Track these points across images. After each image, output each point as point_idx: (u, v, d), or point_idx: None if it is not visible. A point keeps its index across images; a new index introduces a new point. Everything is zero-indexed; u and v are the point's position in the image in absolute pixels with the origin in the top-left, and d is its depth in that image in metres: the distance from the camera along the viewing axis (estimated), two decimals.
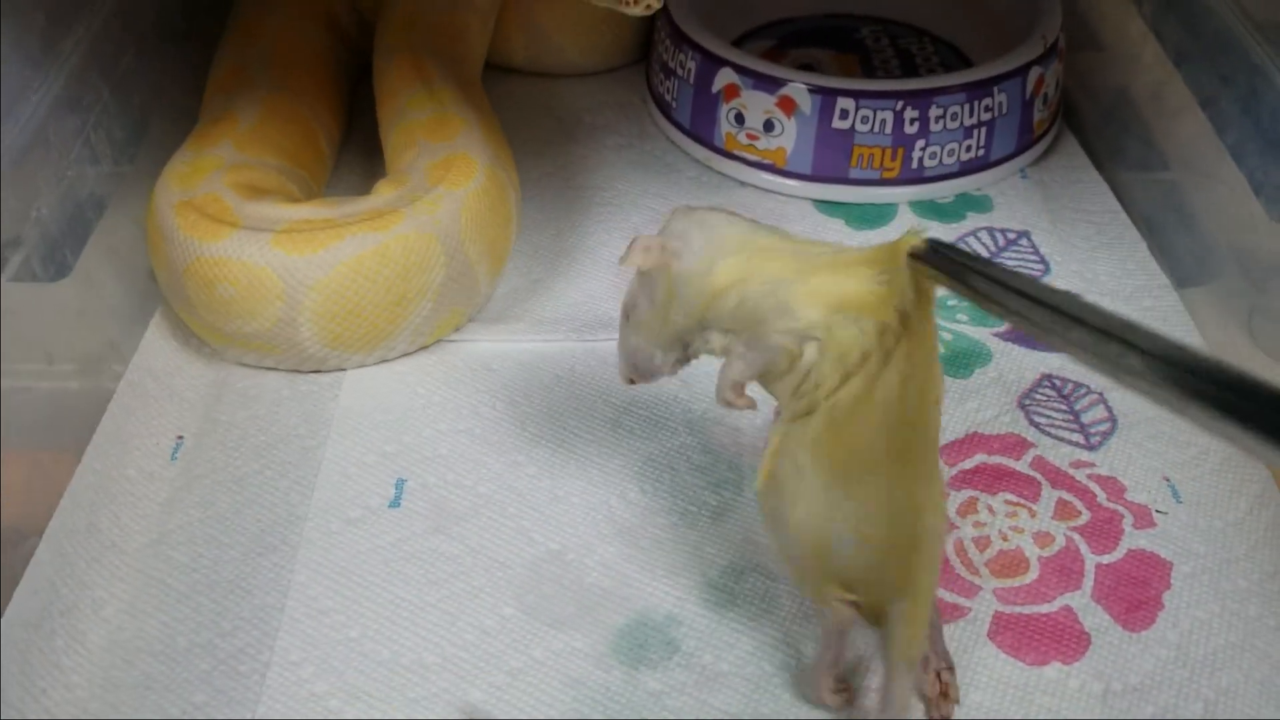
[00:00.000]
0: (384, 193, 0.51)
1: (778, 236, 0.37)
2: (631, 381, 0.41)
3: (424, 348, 0.52)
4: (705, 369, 0.51)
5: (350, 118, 0.65)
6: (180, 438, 0.49)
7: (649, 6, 0.51)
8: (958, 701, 0.39)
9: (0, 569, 0.42)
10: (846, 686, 0.38)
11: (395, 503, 0.46)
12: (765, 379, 0.36)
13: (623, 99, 0.70)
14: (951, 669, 0.39)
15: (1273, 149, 0.53)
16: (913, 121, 0.59)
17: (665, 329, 0.38)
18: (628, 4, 0.51)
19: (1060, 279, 0.56)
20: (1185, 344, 0.25)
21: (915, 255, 0.33)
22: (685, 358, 0.39)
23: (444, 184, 0.51)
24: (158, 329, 0.54)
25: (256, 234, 0.48)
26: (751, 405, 0.37)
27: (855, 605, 0.36)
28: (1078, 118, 0.69)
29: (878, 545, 0.35)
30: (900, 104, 0.59)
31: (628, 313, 0.39)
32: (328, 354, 0.50)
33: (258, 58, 0.58)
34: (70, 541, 0.44)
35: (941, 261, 0.32)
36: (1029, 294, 0.29)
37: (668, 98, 0.66)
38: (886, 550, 0.35)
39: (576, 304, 0.55)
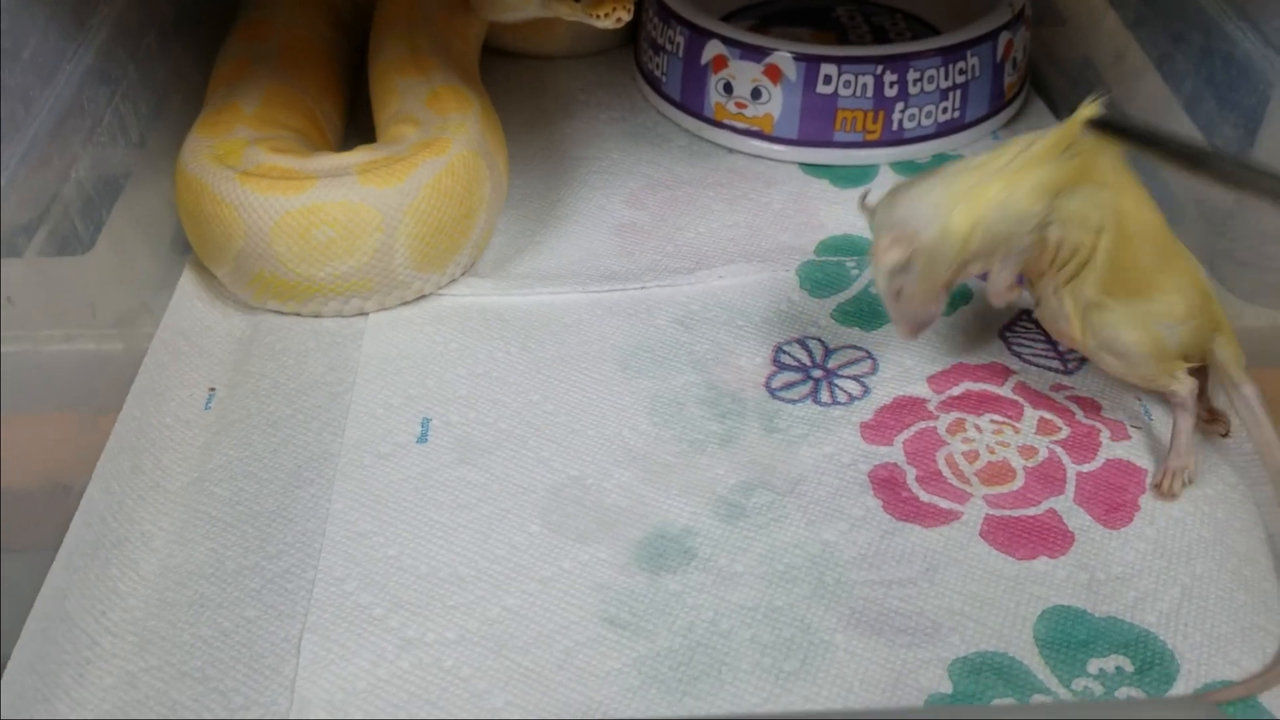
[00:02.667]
0: (398, 136, 0.55)
1: (966, 171, 0.45)
2: (916, 336, 0.49)
3: (470, 271, 0.58)
4: (702, 316, 0.54)
5: (352, 112, 0.67)
6: (212, 389, 0.51)
7: (619, 19, 0.55)
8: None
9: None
10: (1219, 416, 0.48)
11: (422, 438, 0.49)
12: (1026, 268, 0.46)
13: (614, 78, 0.73)
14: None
15: (1222, 101, 0.57)
16: (892, 85, 0.63)
17: (932, 287, 0.46)
18: (597, 16, 0.55)
19: None
20: None
21: (1093, 123, 0.43)
22: (950, 291, 0.47)
23: (454, 111, 0.56)
24: (183, 293, 0.56)
25: (340, 177, 0.52)
26: (1020, 293, 0.48)
27: (1191, 371, 0.46)
28: (1046, 88, 0.73)
29: (1187, 315, 0.45)
30: (880, 68, 0.63)
31: (896, 294, 0.47)
32: (413, 277, 0.54)
33: (265, 53, 0.61)
34: (117, 483, 0.47)
35: (1112, 126, 0.44)
36: (1173, 142, 0.44)
37: (657, 73, 0.69)
38: (1194, 313, 0.45)
39: (579, 260, 0.59)
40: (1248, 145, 0.54)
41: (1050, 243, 0.45)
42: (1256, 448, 0.46)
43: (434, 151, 0.54)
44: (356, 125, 0.66)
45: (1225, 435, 0.48)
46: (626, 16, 0.55)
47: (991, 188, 0.44)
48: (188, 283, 0.57)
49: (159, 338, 0.53)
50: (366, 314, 0.55)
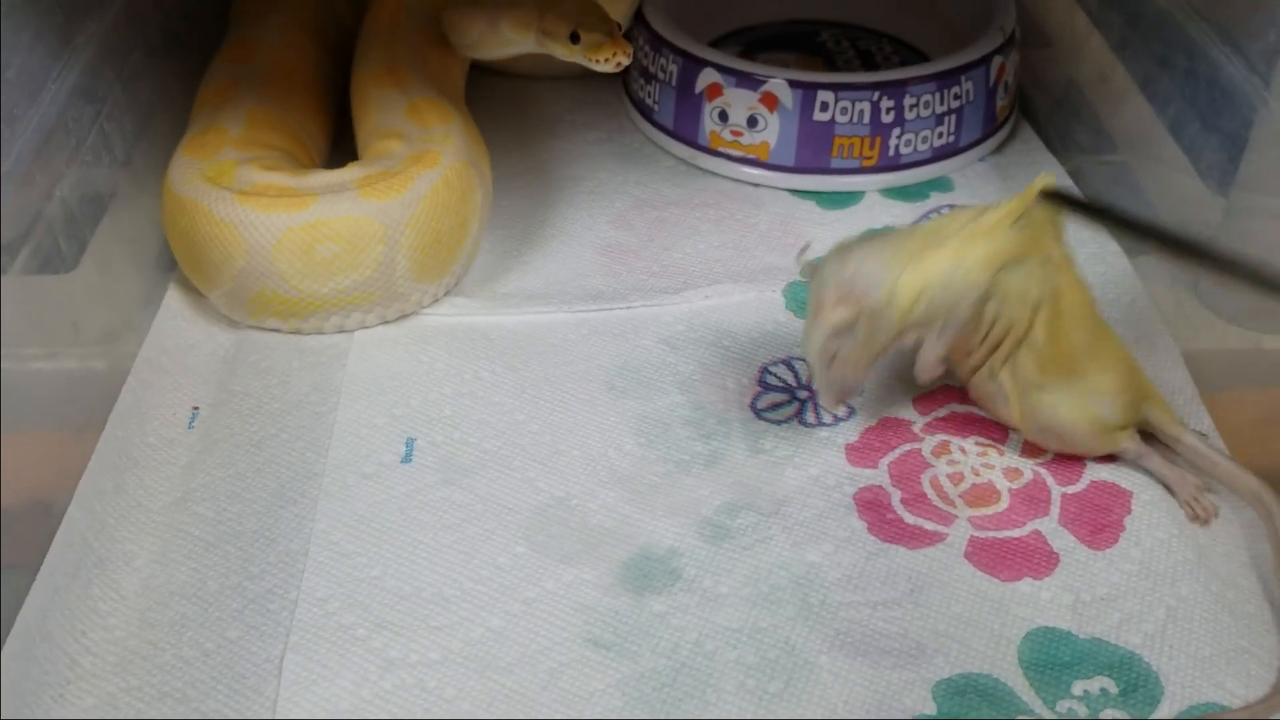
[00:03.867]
0: (385, 151, 0.55)
1: (913, 236, 0.44)
2: (840, 403, 0.48)
3: (456, 288, 0.58)
4: (688, 337, 0.54)
5: (337, 134, 0.66)
6: (196, 408, 0.51)
7: (619, 64, 0.55)
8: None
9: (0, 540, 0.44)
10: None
11: (407, 459, 0.49)
12: (952, 350, 0.46)
13: (601, 98, 0.73)
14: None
15: (1206, 124, 0.57)
16: (889, 111, 0.63)
17: (869, 354, 0.45)
18: (597, 61, 0.55)
19: None
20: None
21: (1046, 194, 0.43)
22: (875, 361, 0.46)
23: (437, 123, 0.56)
24: (167, 311, 0.56)
25: (340, 193, 0.52)
26: (946, 370, 0.47)
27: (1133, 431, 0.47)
28: (1031, 108, 0.73)
29: (1120, 390, 0.46)
30: (877, 95, 0.63)
31: (829, 359, 0.45)
32: (412, 289, 0.55)
33: (249, 75, 0.61)
34: (99, 502, 0.46)
35: (1064, 199, 0.44)
36: (1126, 219, 0.46)
37: (649, 101, 0.69)
38: (1126, 386, 0.46)
39: (565, 280, 0.59)
40: (1231, 169, 0.55)
41: (985, 318, 0.44)
42: (1223, 483, 0.46)
43: (426, 164, 0.54)
44: (342, 145, 0.66)
45: (1204, 436, 0.48)
46: (626, 61, 0.55)
47: (941, 254, 0.43)
48: (172, 300, 0.57)
49: (142, 356, 0.53)
50: (367, 327, 0.55)
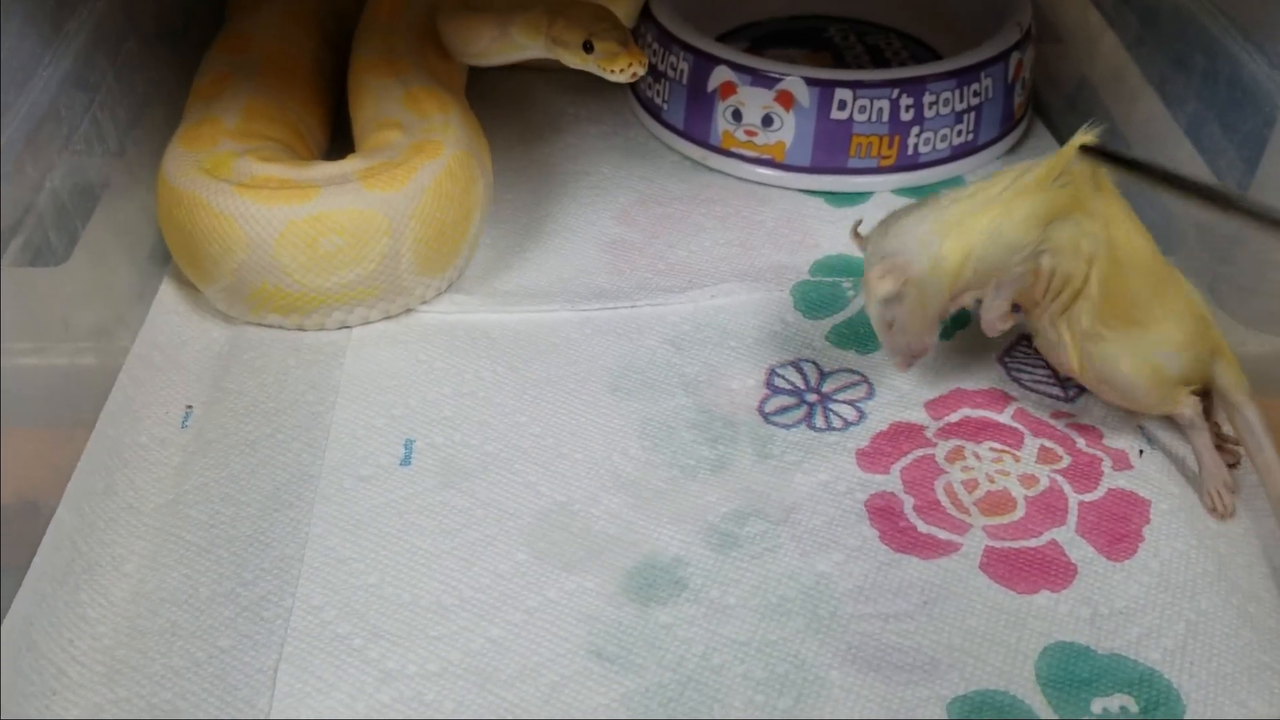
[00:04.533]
0: (384, 141, 0.54)
1: (959, 201, 0.45)
2: (909, 367, 0.49)
3: (455, 284, 0.57)
4: (694, 337, 0.53)
5: (335, 126, 0.65)
6: (189, 407, 0.50)
7: (635, 74, 0.54)
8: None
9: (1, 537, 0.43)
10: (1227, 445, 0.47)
11: (405, 461, 0.47)
12: (1020, 297, 0.46)
13: (605, 92, 0.72)
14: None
15: (1225, 124, 0.56)
16: (908, 109, 0.62)
17: (926, 318, 0.46)
18: (613, 71, 0.54)
19: None
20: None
21: (1086, 150, 0.44)
22: (941, 321, 0.48)
23: (435, 111, 0.55)
24: (161, 306, 0.55)
25: (342, 185, 0.51)
26: (1015, 320, 0.47)
27: (1195, 392, 0.46)
28: (1043, 108, 0.72)
29: (1185, 343, 0.45)
30: (896, 92, 0.61)
31: (889, 325, 0.46)
32: (416, 282, 0.53)
33: (245, 66, 0.60)
34: (89, 504, 0.45)
35: (1104, 154, 0.44)
36: (1165, 172, 0.44)
37: (657, 100, 0.67)
38: (1192, 340, 0.45)
39: (569, 278, 0.57)
40: (1251, 169, 0.53)
41: (1043, 272, 0.45)
42: (1257, 471, 0.45)
43: (429, 154, 0.53)
44: (341, 137, 0.65)
45: (1234, 466, 0.47)
46: (642, 71, 0.54)
47: (983, 217, 0.44)
48: (166, 295, 0.55)
49: (135, 352, 0.52)
50: (370, 322, 0.54)
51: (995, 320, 0.46)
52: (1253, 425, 0.45)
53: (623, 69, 0.54)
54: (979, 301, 0.47)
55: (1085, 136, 0.44)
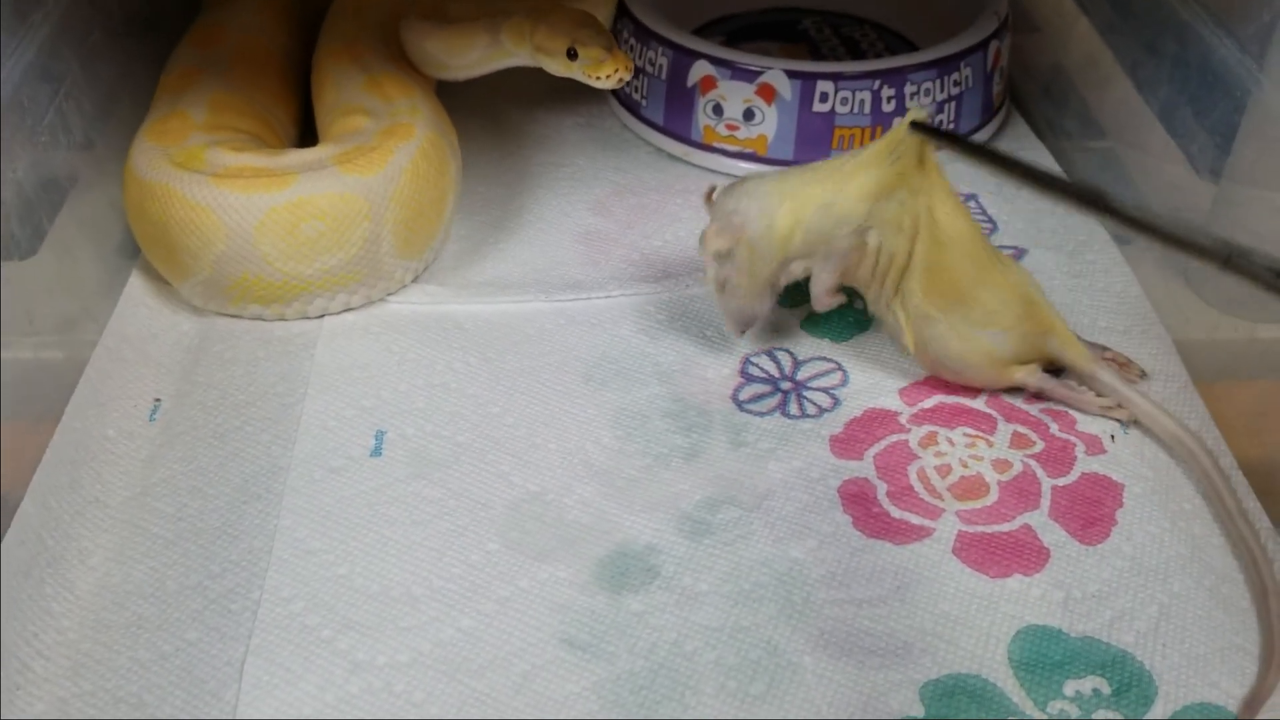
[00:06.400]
0: (352, 127, 0.53)
1: (803, 172, 0.47)
2: (742, 332, 0.51)
3: (424, 276, 0.56)
4: (669, 327, 0.53)
5: (306, 118, 0.64)
6: (158, 400, 0.49)
7: (621, 79, 0.53)
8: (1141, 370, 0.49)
9: None
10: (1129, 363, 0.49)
11: (376, 452, 0.47)
12: (848, 277, 0.48)
13: (580, 84, 0.71)
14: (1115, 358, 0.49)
15: (1197, 109, 0.56)
16: (889, 99, 0.62)
17: (756, 282, 0.48)
18: (598, 78, 0.53)
19: (1008, 236, 0.59)
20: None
21: (915, 126, 0.44)
22: (775, 292, 0.49)
23: (400, 96, 0.55)
24: (129, 299, 0.54)
25: (319, 170, 0.50)
26: (843, 300, 0.48)
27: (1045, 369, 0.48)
28: (1020, 95, 0.72)
29: (1014, 322, 0.47)
30: (878, 83, 0.61)
31: (722, 286, 0.48)
32: (396, 266, 0.54)
33: (215, 60, 0.59)
34: (54, 497, 0.44)
35: (932, 131, 0.45)
36: (990, 151, 0.44)
37: (636, 96, 0.67)
38: (1021, 320, 0.47)
39: (543, 269, 0.57)
40: (1223, 154, 0.53)
41: (870, 248, 0.46)
42: (1144, 423, 0.47)
43: (401, 137, 0.53)
44: (312, 129, 0.64)
45: (1143, 375, 0.49)
46: (627, 76, 0.54)
47: (819, 189, 0.46)
48: (135, 288, 0.55)
49: (103, 345, 0.51)
50: (352, 309, 0.54)
51: (823, 294, 0.48)
52: (1114, 385, 0.47)
53: (609, 75, 0.53)
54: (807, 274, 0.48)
55: (916, 113, 0.45)
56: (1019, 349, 0.47)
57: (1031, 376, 0.48)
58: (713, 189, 0.49)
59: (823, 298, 0.48)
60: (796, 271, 0.48)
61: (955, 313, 0.46)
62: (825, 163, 0.47)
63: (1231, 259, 0.37)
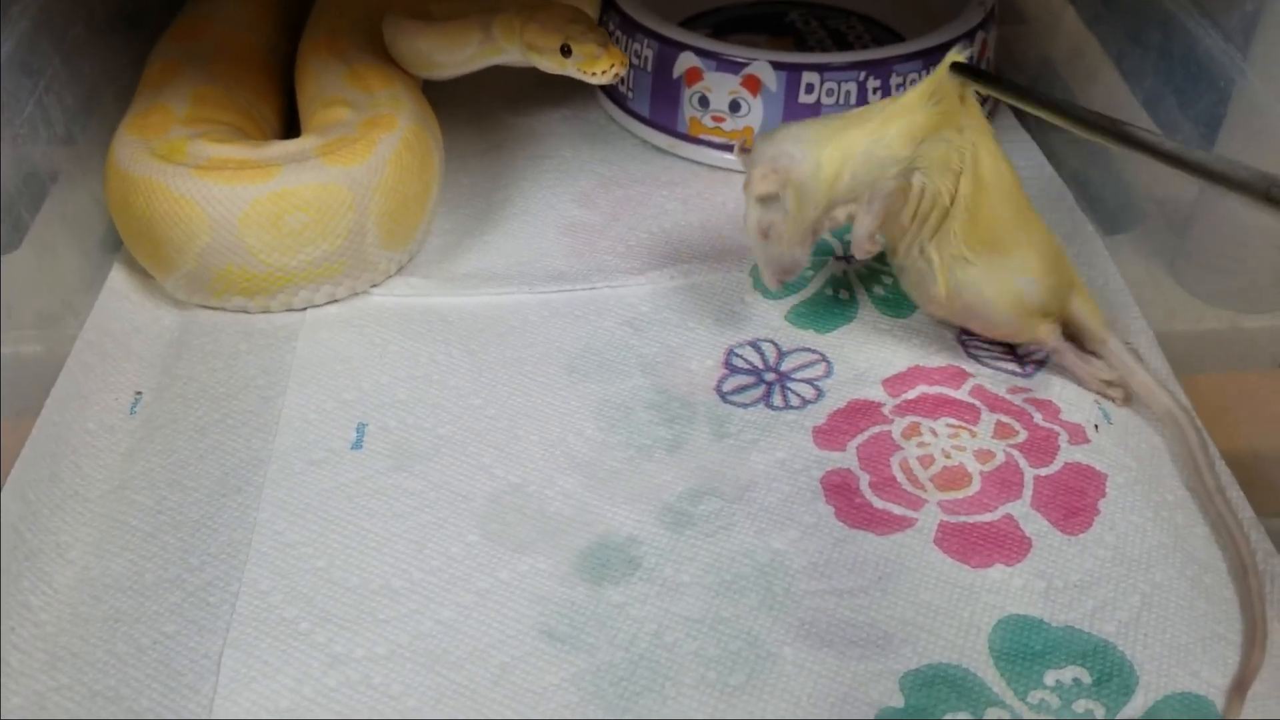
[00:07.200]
0: (334, 119, 0.53)
1: (843, 118, 0.47)
2: (781, 283, 0.50)
3: (407, 267, 0.56)
4: (653, 319, 0.52)
5: (290, 111, 0.64)
6: (139, 393, 0.49)
7: (617, 74, 0.53)
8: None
9: None
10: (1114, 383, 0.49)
11: (357, 445, 0.47)
12: (888, 224, 0.47)
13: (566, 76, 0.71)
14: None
15: (1182, 98, 0.56)
16: (875, 90, 0.61)
17: (801, 227, 0.47)
18: (594, 74, 0.53)
19: None
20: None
21: (955, 68, 0.45)
22: (815, 239, 0.49)
23: (381, 87, 0.55)
24: (111, 292, 0.54)
25: (303, 161, 0.50)
26: (880, 247, 0.49)
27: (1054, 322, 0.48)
28: (1008, 87, 0.72)
29: (1044, 271, 0.47)
30: (863, 74, 0.61)
31: (765, 233, 0.48)
32: (380, 256, 0.53)
33: (197, 54, 0.59)
34: (33, 491, 0.44)
35: (973, 71, 0.46)
36: (1030, 91, 0.46)
37: (622, 89, 0.66)
38: (1051, 271, 0.47)
39: (527, 261, 0.57)
40: (1208, 144, 0.53)
41: (914, 190, 0.46)
42: (1139, 395, 0.48)
43: (384, 128, 0.53)
44: (296, 122, 0.64)
45: (1124, 402, 0.49)
46: (622, 70, 0.54)
47: (863, 130, 0.46)
48: (116, 282, 0.55)
49: (83, 339, 0.51)
50: (337, 300, 0.54)
51: (864, 239, 0.47)
52: (1120, 354, 0.48)
53: (604, 71, 0.53)
54: (849, 220, 0.48)
55: (957, 55, 0.45)
56: (1046, 300, 0.48)
57: (1051, 334, 0.48)
58: (743, 142, 0.49)
59: (864, 243, 0.47)
60: (840, 217, 0.48)
61: (992, 257, 0.47)
62: (864, 109, 0.47)
63: (1272, 191, 0.36)
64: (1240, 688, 0.38)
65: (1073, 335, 0.49)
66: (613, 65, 0.53)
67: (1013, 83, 0.47)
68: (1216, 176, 0.38)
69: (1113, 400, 0.48)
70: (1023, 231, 0.47)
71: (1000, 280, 0.47)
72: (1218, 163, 0.38)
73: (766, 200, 0.47)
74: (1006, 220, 0.46)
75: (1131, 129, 0.41)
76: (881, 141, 0.45)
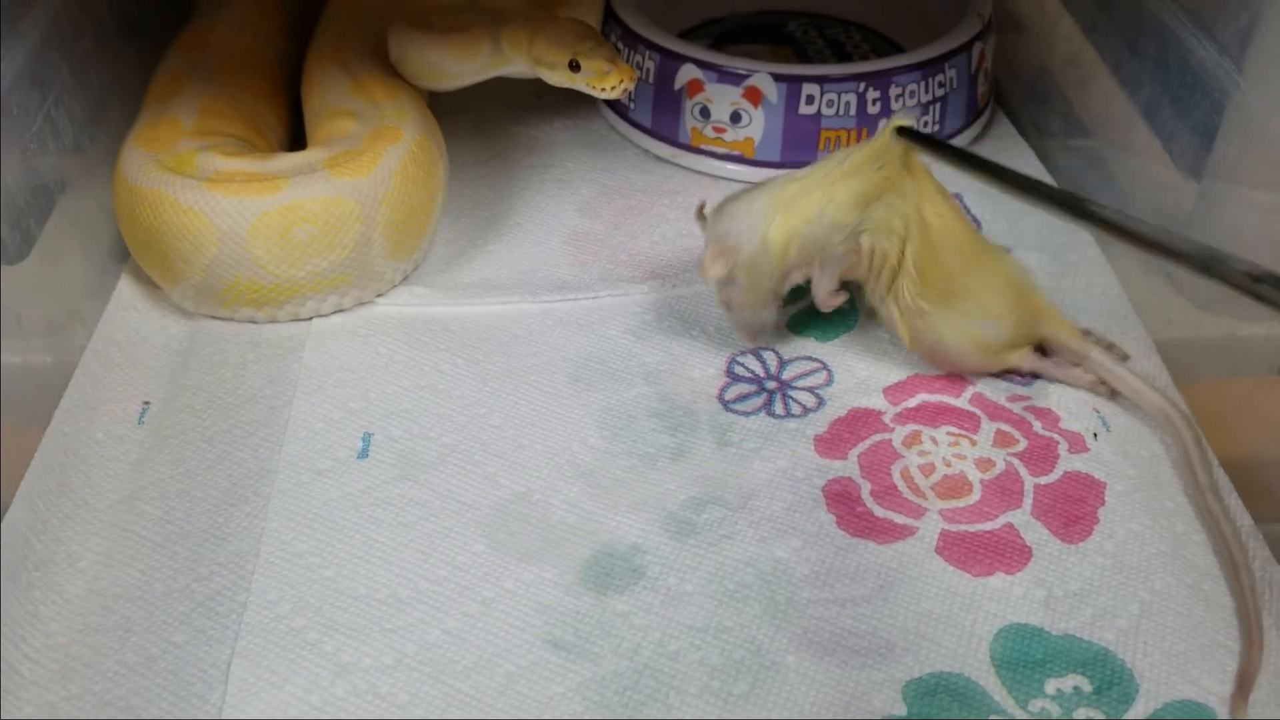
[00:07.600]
0: (340, 130, 0.54)
1: (789, 183, 0.48)
2: (755, 340, 0.52)
3: (412, 277, 0.57)
4: (656, 327, 0.53)
5: (297, 122, 0.64)
6: (146, 403, 0.50)
7: (625, 90, 0.53)
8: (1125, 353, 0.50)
9: None
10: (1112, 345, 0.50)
11: (363, 454, 0.47)
12: (850, 272, 0.49)
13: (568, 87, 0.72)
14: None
15: (1178, 108, 0.56)
16: (875, 102, 0.62)
17: (759, 295, 0.49)
18: (603, 89, 0.53)
19: (991, 236, 0.59)
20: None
21: (900, 132, 0.46)
22: (780, 299, 0.50)
23: (386, 98, 0.56)
24: (119, 302, 0.55)
25: (310, 173, 0.51)
26: (845, 298, 0.50)
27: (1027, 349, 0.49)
28: (1003, 96, 0.72)
29: (1005, 311, 0.48)
30: (863, 85, 0.61)
31: (729, 305, 0.50)
32: (386, 267, 0.54)
33: (204, 65, 0.59)
34: (43, 501, 0.45)
35: (916, 136, 0.46)
36: (972, 158, 0.47)
37: (624, 100, 0.67)
38: (1012, 309, 0.48)
39: (530, 270, 0.57)
40: (1204, 154, 0.54)
41: (864, 251, 0.48)
42: (1132, 400, 0.48)
43: (390, 140, 0.53)
44: (303, 132, 0.64)
45: (1125, 358, 0.50)
46: (631, 85, 0.54)
47: (808, 200, 0.47)
48: (124, 292, 0.55)
49: (92, 349, 0.52)
50: (343, 310, 0.54)
51: (825, 297, 0.49)
52: (1104, 364, 0.49)
53: (613, 86, 0.54)
54: (808, 281, 0.49)
55: (900, 120, 0.46)
56: (1011, 336, 0.49)
57: (1024, 360, 0.49)
58: (702, 205, 0.50)
59: (826, 301, 0.49)
60: (797, 279, 0.49)
61: (948, 307, 0.48)
62: (810, 170, 0.48)
63: (1209, 263, 0.37)
64: (1242, 688, 0.38)
65: (1053, 353, 0.50)
66: (622, 81, 0.53)
67: (955, 148, 0.48)
68: (1157, 247, 0.39)
69: (1106, 394, 0.49)
70: (977, 279, 0.48)
71: (959, 326, 0.48)
72: (1158, 235, 0.39)
73: (721, 281, 0.48)
74: (959, 272, 0.47)
75: (1071, 200, 0.43)
76: (829, 209, 0.47)
